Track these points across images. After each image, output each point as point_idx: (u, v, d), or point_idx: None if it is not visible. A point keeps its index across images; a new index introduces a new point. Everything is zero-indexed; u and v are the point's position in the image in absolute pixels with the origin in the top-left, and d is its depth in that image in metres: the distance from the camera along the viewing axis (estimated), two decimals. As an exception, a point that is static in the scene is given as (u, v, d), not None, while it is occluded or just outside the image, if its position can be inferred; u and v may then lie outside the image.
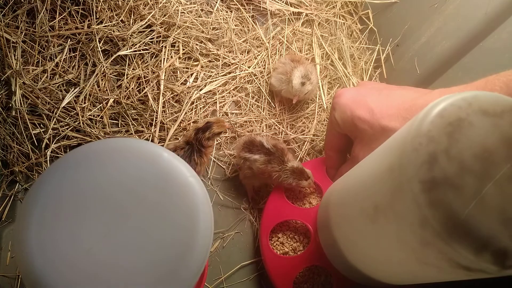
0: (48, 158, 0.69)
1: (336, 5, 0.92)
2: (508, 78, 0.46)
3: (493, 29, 0.64)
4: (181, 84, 0.78)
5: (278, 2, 0.89)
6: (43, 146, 0.70)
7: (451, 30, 0.73)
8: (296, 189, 0.69)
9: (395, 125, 0.54)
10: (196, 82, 0.79)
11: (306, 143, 0.78)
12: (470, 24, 0.68)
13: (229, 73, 0.81)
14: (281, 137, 0.77)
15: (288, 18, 0.89)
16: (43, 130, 0.71)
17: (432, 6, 0.76)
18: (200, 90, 0.78)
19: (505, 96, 0.34)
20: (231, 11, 0.87)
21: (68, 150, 0.72)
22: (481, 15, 0.66)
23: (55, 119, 0.72)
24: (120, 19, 0.79)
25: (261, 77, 0.82)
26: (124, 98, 0.75)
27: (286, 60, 0.78)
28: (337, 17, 0.92)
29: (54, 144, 0.70)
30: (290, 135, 0.77)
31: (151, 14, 0.79)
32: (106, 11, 0.79)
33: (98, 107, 0.75)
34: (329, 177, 0.69)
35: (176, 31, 0.80)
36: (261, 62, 0.83)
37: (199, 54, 0.80)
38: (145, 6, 0.81)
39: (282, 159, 0.66)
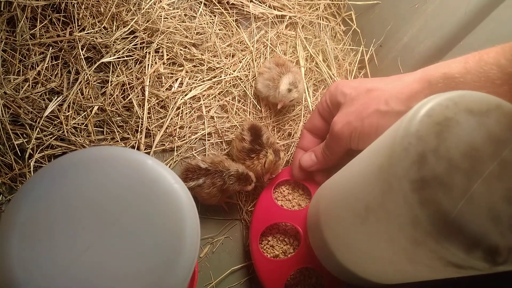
0: (31, 168, 0.68)
1: (319, 7, 0.93)
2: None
3: (472, 28, 0.65)
4: (166, 89, 0.77)
5: (261, 6, 0.90)
6: (27, 156, 0.69)
7: (432, 30, 0.74)
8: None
9: (380, 86, 0.55)
10: (181, 87, 0.78)
11: (292, 146, 0.78)
12: (450, 24, 0.69)
13: (214, 77, 0.81)
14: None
15: (272, 21, 0.89)
16: (26, 140, 0.70)
17: (413, 6, 0.77)
18: (185, 95, 0.78)
19: (490, 95, 0.35)
20: (215, 16, 0.87)
21: (53, 160, 0.70)
22: (461, 15, 0.67)
23: (38, 128, 0.70)
24: (103, 25, 0.78)
25: (246, 80, 0.82)
26: (109, 105, 0.74)
27: (271, 64, 0.78)
28: (320, 19, 0.92)
29: (38, 154, 0.69)
30: (278, 143, 0.77)
31: (134, 20, 0.78)
32: (88, 18, 0.78)
33: (83, 115, 0.74)
34: (295, 157, 0.70)
35: (159, 36, 0.79)
36: (246, 65, 0.83)
37: (183, 59, 0.80)
38: (127, 12, 0.80)
39: (222, 170, 0.65)
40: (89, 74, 0.75)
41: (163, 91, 0.77)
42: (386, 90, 0.53)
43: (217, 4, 0.88)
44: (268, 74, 0.76)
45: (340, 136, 0.57)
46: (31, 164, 0.68)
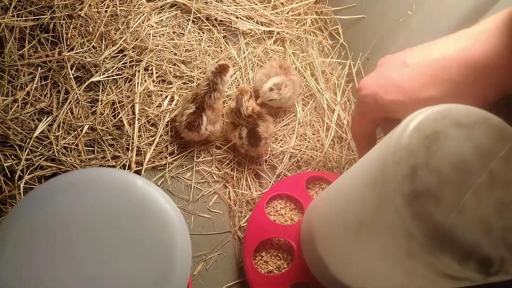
0: (21, 190, 0.68)
1: (306, 22, 0.95)
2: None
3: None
4: (156, 107, 0.78)
5: (249, 22, 0.91)
6: (16, 178, 0.68)
7: (416, 43, 0.75)
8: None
9: (432, 93, 0.50)
10: (171, 104, 0.79)
11: (285, 157, 0.78)
12: (433, 37, 0.71)
13: (204, 94, 0.81)
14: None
15: (260, 37, 0.90)
16: (16, 161, 0.69)
17: (397, 20, 0.79)
18: (175, 112, 0.78)
19: (476, 108, 0.36)
20: (203, 32, 0.88)
21: (42, 181, 0.70)
22: (443, 28, 0.69)
23: (28, 149, 0.70)
24: (92, 45, 0.78)
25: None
26: (99, 124, 0.74)
27: (275, 64, 0.80)
28: (307, 34, 0.94)
29: (28, 175, 0.69)
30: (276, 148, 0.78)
31: (122, 39, 0.79)
32: (77, 38, 0.79)
33: (73, 134, 0.73)
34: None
35: (148, 54, 0.80)
36: (234, 81, 0.84)
37: (172, 76, 0.80)
38: (116, 31, 0.81)
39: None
40: (79, 94, 0.75)
41: (153, 109, 0.77)
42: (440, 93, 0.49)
43: (205, 21, 0.89)
44: (266, 70, 0.80)
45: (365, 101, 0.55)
46: (21, 185, 0.68)
